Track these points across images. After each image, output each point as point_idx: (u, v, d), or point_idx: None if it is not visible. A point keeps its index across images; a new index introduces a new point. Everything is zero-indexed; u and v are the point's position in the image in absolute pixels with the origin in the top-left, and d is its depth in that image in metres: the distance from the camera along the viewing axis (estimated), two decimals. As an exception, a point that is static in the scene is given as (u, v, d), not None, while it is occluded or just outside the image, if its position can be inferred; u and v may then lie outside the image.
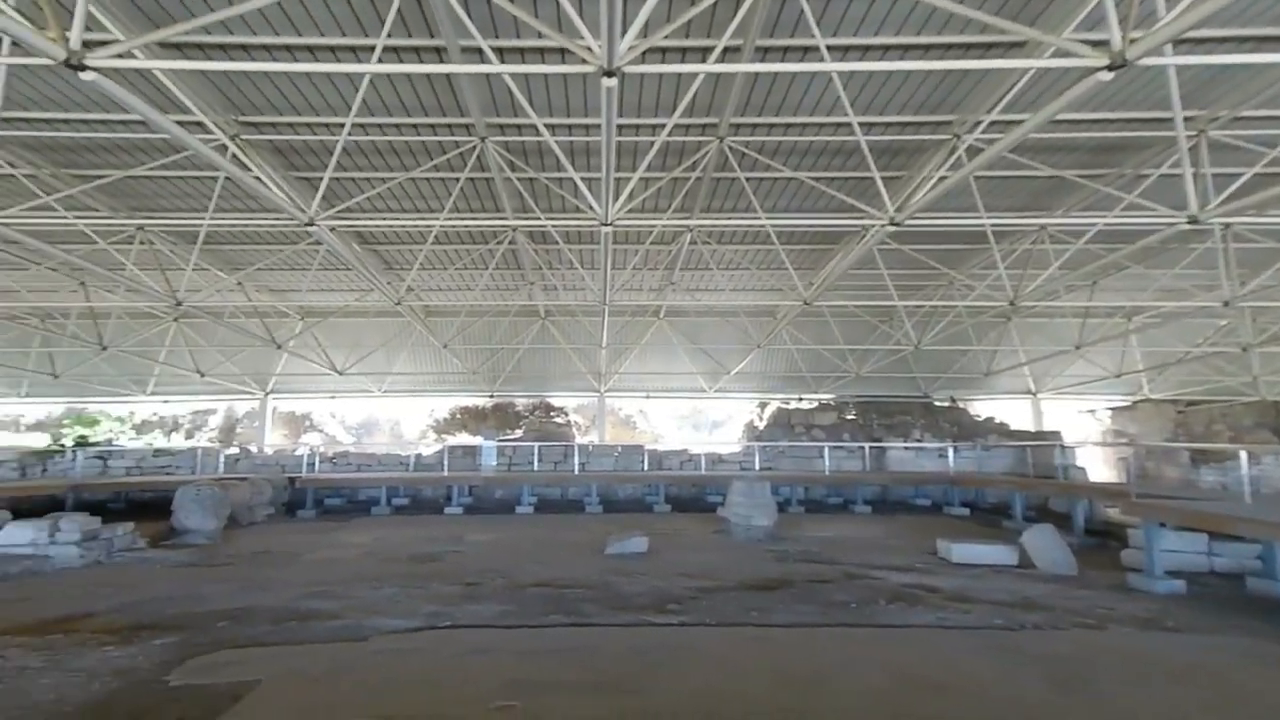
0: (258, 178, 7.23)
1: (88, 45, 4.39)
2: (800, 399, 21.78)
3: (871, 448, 19.01)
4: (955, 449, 18.32)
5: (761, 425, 22.04)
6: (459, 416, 20.47)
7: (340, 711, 4.60)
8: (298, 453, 16.52)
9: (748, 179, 9.81)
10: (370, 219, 9.10)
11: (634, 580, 8.60)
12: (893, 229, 8.34)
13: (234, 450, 16.43)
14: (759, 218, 10.10)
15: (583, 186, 7.69)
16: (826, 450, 18.14)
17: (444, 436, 20.30)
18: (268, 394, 17.86)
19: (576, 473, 16.45)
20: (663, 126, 8.67)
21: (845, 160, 9.92)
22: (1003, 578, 8.84)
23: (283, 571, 9.17)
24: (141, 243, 10.61)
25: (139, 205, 10.16)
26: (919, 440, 19.71)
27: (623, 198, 8.04)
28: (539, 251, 13.08)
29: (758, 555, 10.45)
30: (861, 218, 9.24)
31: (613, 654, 5.78)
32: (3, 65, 5.74)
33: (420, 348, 17.81)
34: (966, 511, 15.92)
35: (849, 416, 21.67)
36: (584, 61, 4.77)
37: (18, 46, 6.25)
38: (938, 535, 11.07)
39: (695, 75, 6.97)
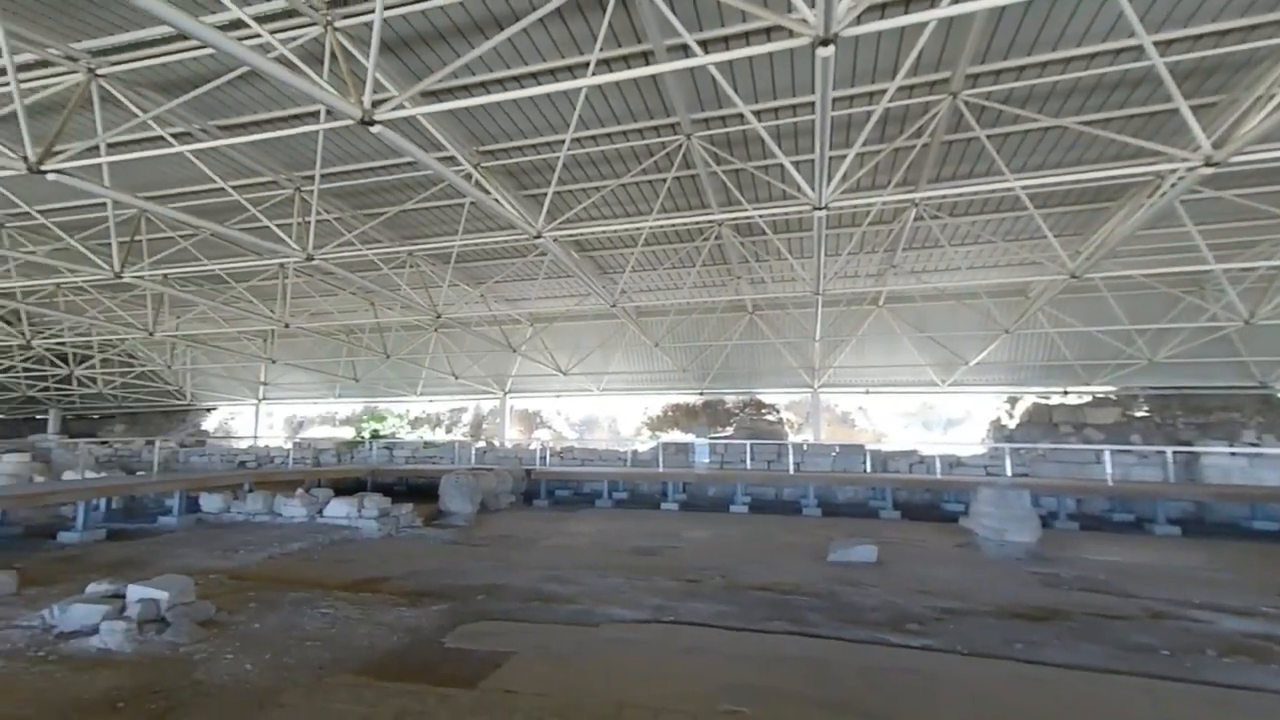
0: (495, 199, 8.23)
1: (375, 104, 5.36)
2: (1066, 393, 18.41)
3: (1178, 453, 15.29)
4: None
5: (1013, 424, 19.16)
6: (670, 414, 21.29)
7: (580, 690, 4.97)
8: (531, 447, 18.68)
9: (989, 136, 8.51)
10: (587, 227, 9.83)
11: (864, 592, 8.01)
12: (1208, 171, 6.53)
13: (481, 444, 19.20)
14: (1005, 180, 8.70)
15: (792, 170, 7.35)
16: (1108, 455, 14.97)
17: (657, 433, 21.31)
18: (506, 393, 20.53)
19: (792, 472, 15.97)
20: (883, 93, 7.94)
21: (1128, 94, 8.06)
22: None
23: (525, 554, 10.34)
24: (410, 266, 12.86)
25: (409, 234, 12.30)
26: (1255, 444, 15.29)
27: (837, 177, 7.52)
28: (745, 244, 12.93)
29: (1017, 576, 9.03)
30: (1155, 162, 7.41)
31: (845, 671, 5.41)
32: (321, 130, 7.32)
33: (633, 347, 18.87)
34: (1337, 541, 11.96)
35: (1139, 413, 17.76)
36: (796, 35, 4.51)
37: (329, 114, 7.87)
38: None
39: (924, 25, 6.21)
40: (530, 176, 10.11)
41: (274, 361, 17.09)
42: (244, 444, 21.80)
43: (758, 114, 8.39)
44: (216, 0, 6.11)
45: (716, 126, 8.85)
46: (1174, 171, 7.11)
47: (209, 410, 24.87)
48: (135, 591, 6.49)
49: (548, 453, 17.02)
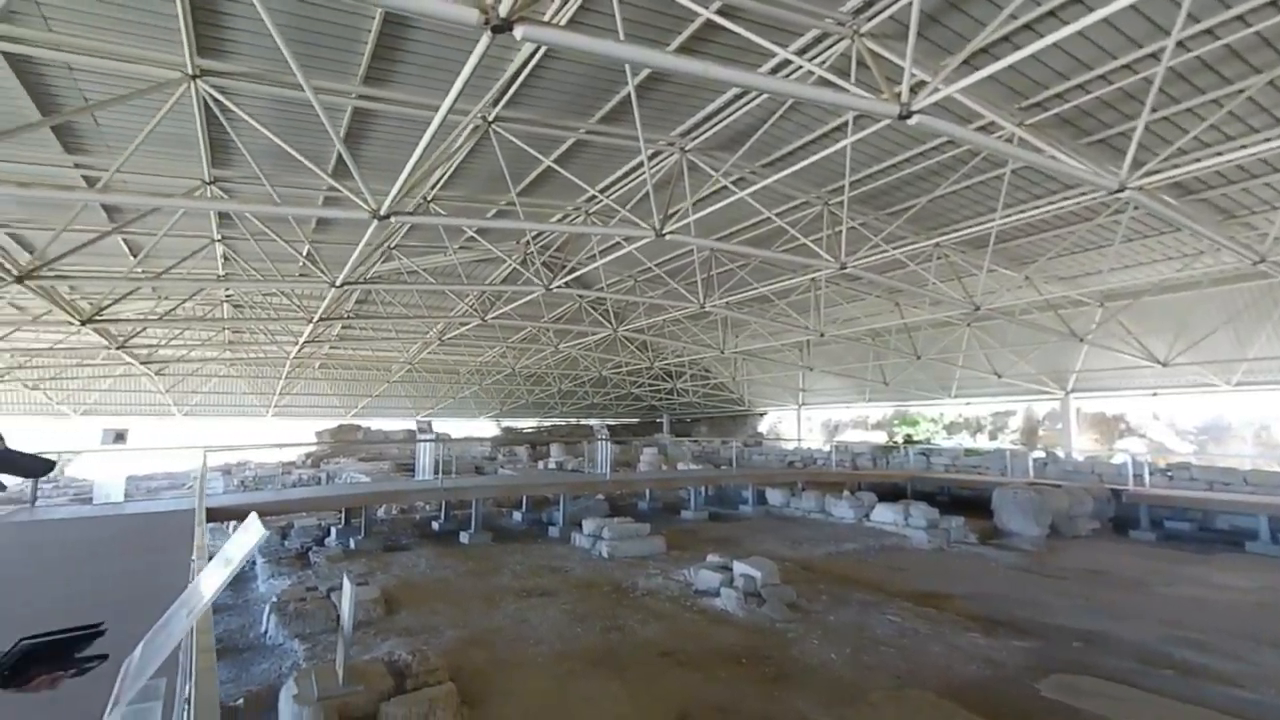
0: (1052, 156, 6.89)
1: (913, 91, 5.19)
2: None
3: None
4: None
5: None
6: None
7: None
8: (1114, 460, 14.93)
9: None
10: (1194, 162, 7.22)
11: None
12: None
13: (1039, 453, 16.56)
14: None
15: None
16: None
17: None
18: (1068, 393, 17.17)
19: None
20: None
21: None
22: None
23: (1132, 600, 8.22)
24: (937, 258, 12.21)
25: (934, 224, 11.72)
26: None
27: None
28: None
29: None
30: None
31: None
32: (849, 143, 7.68)
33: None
34: None
35: None
36: None
37: (857, 121, 8.17)
38: None
39: None
40: (1095, 118, 8.14)
41: (810, 369, 19.07)
42: (789, 445, 25.11)
43: None
44: (761, 56, 7.12)
45: None
46: None
47: (761, 414, 29.80)
48: (738, 567, 8.02)
49: (1145, 469, 13.13)
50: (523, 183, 10.09)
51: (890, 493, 15.79)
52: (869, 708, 5.17)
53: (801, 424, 25.91)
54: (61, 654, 1.28)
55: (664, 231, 8.51)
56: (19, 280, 7.69)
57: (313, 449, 22.38)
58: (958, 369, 18.02)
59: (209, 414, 24.25)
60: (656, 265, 14.31)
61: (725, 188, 9.59)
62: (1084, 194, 9.37)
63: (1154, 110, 7.56)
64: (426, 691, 4.64)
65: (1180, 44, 6.69)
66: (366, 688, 4.50)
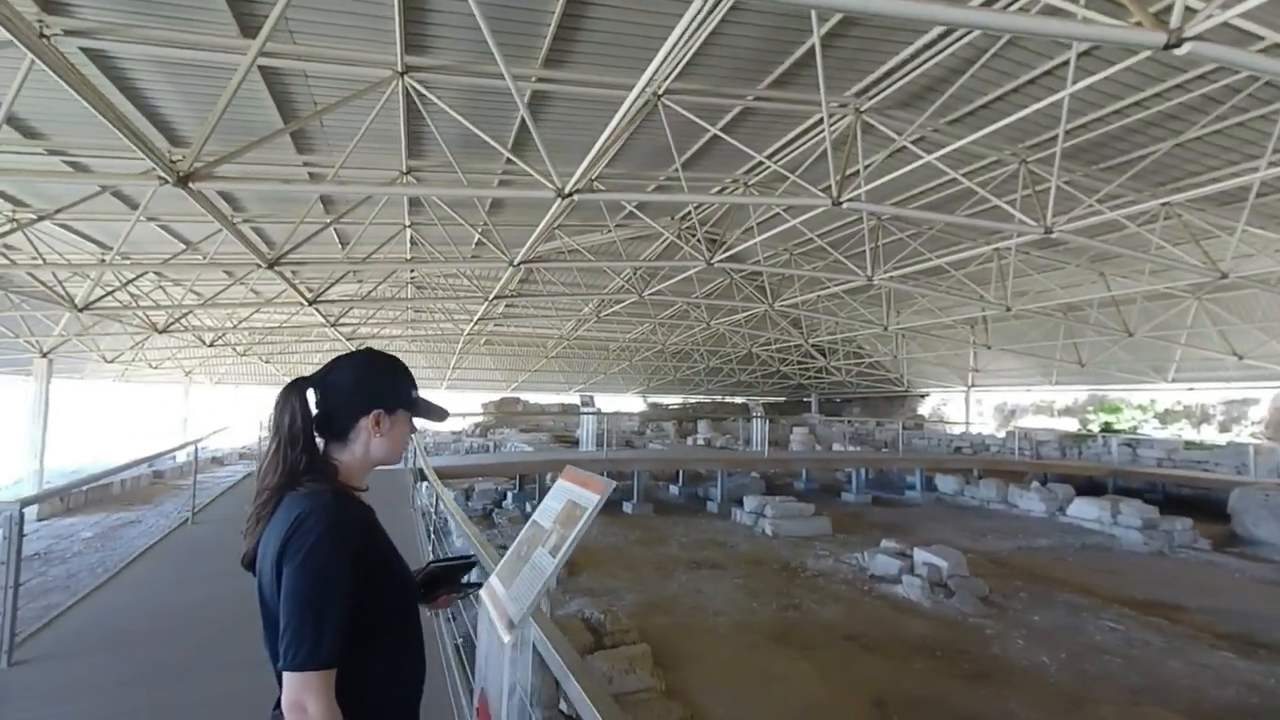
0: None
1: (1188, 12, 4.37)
2: None
3: None
4: None
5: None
6: None
7: None
8: (1399, 461, 12.00)
9: None
10: None
11: None
12: None
13: (1288, 449, 13.72)
14: None
15: None
16: None
17: None
18: (1336, 378, 13.99)
19: None
20: None
21: None
22: None
23: None
24: (1165, 218, 10.42)
25: (1163, 179, 10.00)
26: None
27: None
28: None
29: None
30: None
31: None
32: (1066, 95, 6.72)
33: None
34: None
35: None
36: None
37: (1080, 65, 7.13)
38: None
39: None
40: None
41: (989, 348, 17.30)
42: (956, 429, 23.10)
43: None
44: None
45: None
46: None
47: (922, 396, 27.67)
48: (920, 555, 7.53)
49: None
50: (685, 155, 10.03)
51: (1085, 488, 13.98)
52: (1099, 721, 4.62)
53: (971, 407, 23.67)
54: (453, 578, 1.42)
55: (841, 200, 8.05)
56: (269, 266, 9.00)
57: (479, 419, 24.41)
58: (1179, 348, 15.39)
59: (395, 385, 27.23)
60: (818, 236, 13.64)
61: (905, 148, 8.86)
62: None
63: None
64: (625, 650, 4.84)
65: None
66: (571, 640, 4.78)
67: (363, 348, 1.41)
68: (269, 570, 1.07)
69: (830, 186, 7.97)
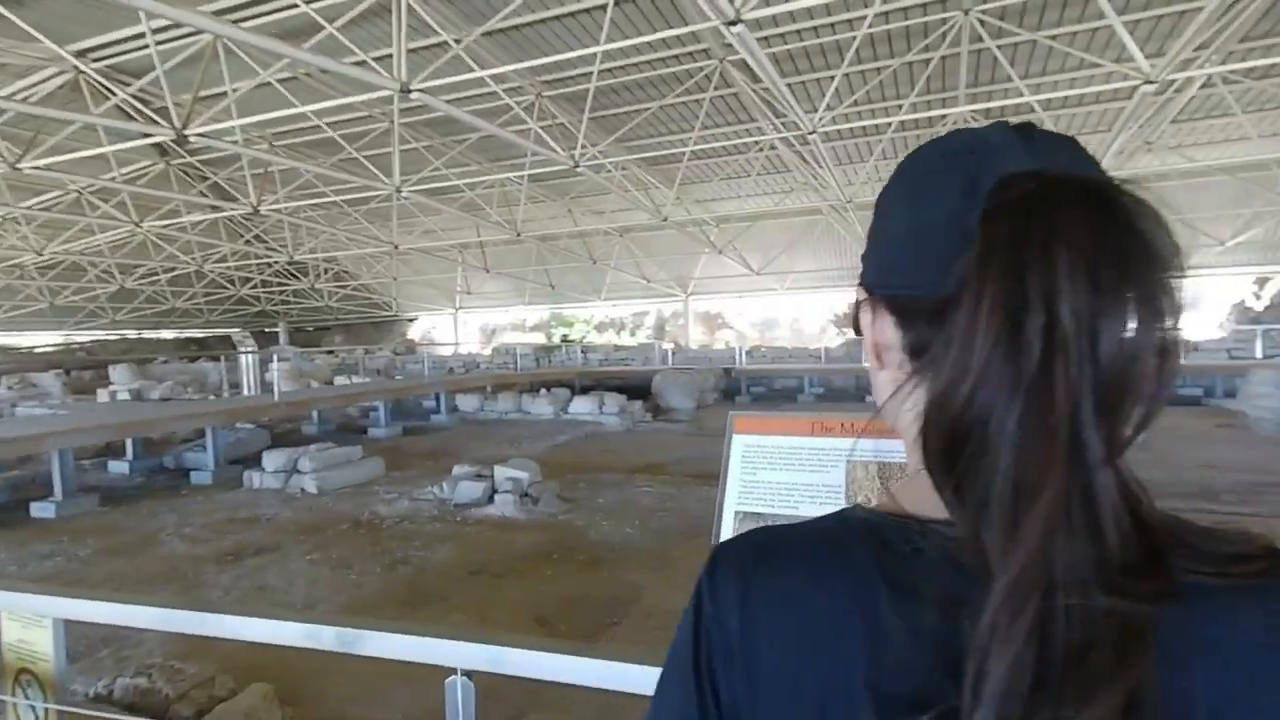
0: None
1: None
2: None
3: None
4: None
5: (1260, 305, 17.17)
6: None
7: None
8: (716, 347, 19.23)
9: None
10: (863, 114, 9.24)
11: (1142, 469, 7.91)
12: None
13: (669, 345, 20.06)
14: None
15: (1125, 36, 6.33)
16: None
17: (844, 331, 21.13)
18: (689, 295, 21.02)
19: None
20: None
21: None
22: None
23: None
24: (623, 169, 13.11)
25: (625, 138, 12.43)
26: None
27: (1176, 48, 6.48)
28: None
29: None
30: None
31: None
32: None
33: (823, 243, 18.32)
34: None
35: None
36: None
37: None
38: None
39: None
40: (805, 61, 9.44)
41: (488, 270, 18.52)
42: (446, 350, 24.30)
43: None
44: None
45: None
46: None
47: (412, 320, 27.69)
48: (501, 472, 7.76)
49: (742, 351, 17.53)
50: None
51: (554, 386, 17.02)
52: (682, 561, 5.87)
53: (459, 329, 25.23)
54: None
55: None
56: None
57: None
58: (609, 272, 20.01)
59: None
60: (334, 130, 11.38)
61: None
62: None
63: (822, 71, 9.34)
64: (226, 709, 3.32)
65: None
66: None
67: None
68: None
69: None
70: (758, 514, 1.01)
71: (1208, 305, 19.11)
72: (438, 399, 14.31)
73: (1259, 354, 14.56)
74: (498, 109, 9.99)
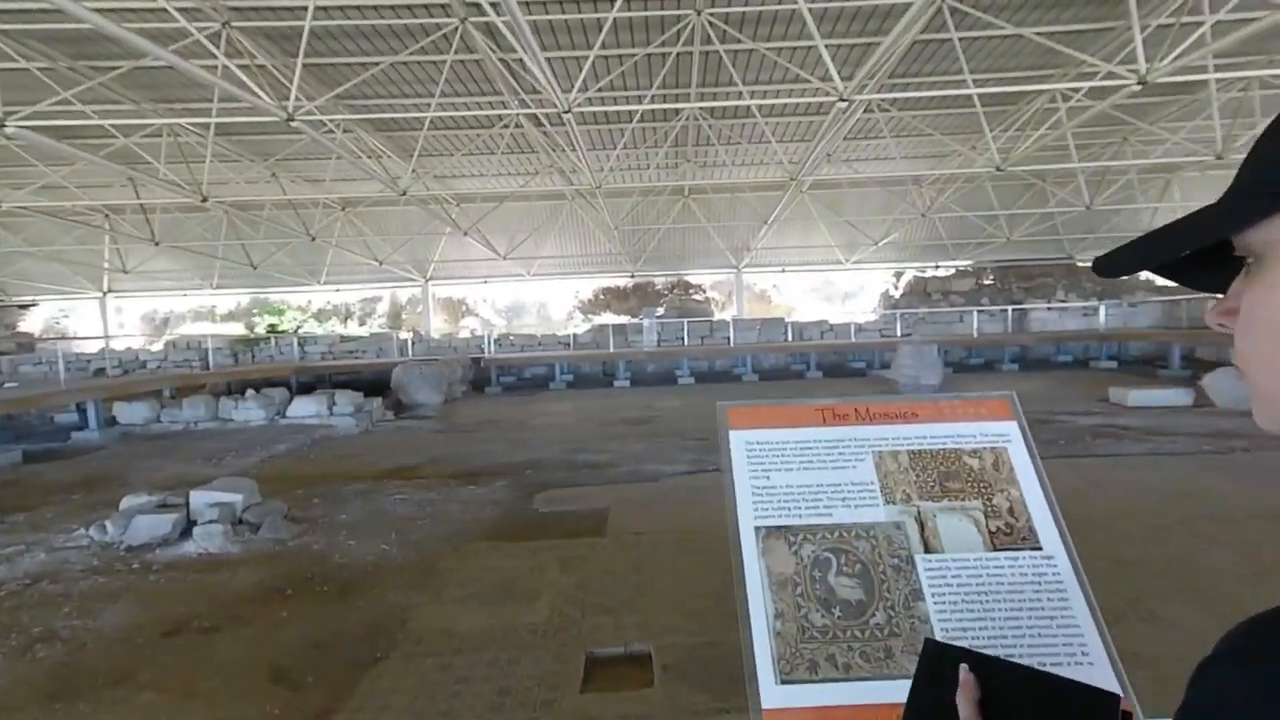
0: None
1: None
2: (937, 267, 21.75)
3: (1014, 310, 19.41)
4: (1103, 306, 18.66)
5: (897, 294, 22.53)
6: (602, 297, 21.57)
7: (681, 526, 5.81)
8: (461, 336, 18.11)
9: (960, 39, 9.31)
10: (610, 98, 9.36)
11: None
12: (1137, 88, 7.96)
13: (407, 335, 18.19)
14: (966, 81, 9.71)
15: (827, 58, 7.61)
16: (975, 315, 18.66)
17: (590, 316, 21.62)
18: (428, 280, 19.29)
19: (731, 344, 17.52)
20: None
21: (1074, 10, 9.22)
22: (1186, 415, 9.61)
23: (528, 434, 10.74)
24: (346, 129, 11.39)
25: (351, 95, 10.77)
26: (1062, 301, 20.07)
27: (865, 70, 7.88)
28: (715, 129, 13.04)
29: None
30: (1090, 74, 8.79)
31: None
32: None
33: (567, 230, 18.47)
34: (1114, 365, 16.72)
35: (987, 282, 21.74)
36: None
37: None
38: (1093, 387, 11.92)
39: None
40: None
41: (157, 243, 14.29)
42: (94, 346, 18.46)
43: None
44: None
45: (735, 4, 8.56)
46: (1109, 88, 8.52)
47: (25, 308, 20.30)
48: (203, 497, 6.11)
49: (491, 340, 16.74)
50: None
51: (267, 386, 14.34)
52: (449, 572, 5.26)
53: (110, 318, 19.32)
54: None
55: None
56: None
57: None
58: (330, 252, 17.40)
59: None
60: None
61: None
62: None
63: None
64: None
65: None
66: None
67: None
68: None
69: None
70: (785, 527, 0.72)
71: (866, 294, 24.54)
72: (82, 410, 10.78)
73: (898, 333, 19.15)
74: (167, 32, 7.77)
